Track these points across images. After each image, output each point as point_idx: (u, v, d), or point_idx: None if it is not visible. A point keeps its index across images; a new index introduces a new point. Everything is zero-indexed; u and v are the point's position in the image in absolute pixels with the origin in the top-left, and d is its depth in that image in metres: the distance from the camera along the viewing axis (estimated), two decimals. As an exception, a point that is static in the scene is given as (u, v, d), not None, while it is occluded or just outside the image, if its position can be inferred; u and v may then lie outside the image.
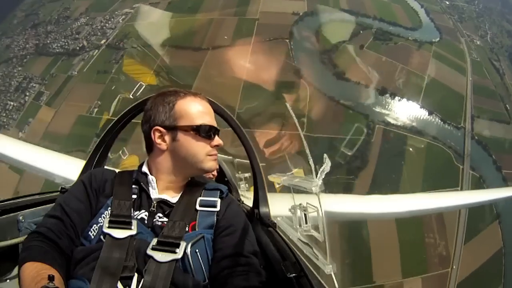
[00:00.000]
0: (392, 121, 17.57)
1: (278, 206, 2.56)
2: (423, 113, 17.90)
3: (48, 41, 23.22)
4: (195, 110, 1.61)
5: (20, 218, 1.84)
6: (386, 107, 17.98)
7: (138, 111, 2.36)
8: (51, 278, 1.08)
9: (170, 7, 21.39)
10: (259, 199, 2.28)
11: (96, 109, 18.86)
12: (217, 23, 20.26)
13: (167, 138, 1.56)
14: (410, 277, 14.12)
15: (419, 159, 16.99)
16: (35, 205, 1.98)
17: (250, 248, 1.45)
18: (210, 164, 1.62)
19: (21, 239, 1.73)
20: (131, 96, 18.06)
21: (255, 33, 19.36)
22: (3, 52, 24.71)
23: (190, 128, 1.56)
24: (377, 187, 15.61)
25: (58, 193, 2.09)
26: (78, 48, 21.79)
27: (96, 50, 21.06)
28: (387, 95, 18.25)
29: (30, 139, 17.75)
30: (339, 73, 18.80)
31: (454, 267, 14.18)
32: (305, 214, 2.54)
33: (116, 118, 2.37)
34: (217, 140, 1.63)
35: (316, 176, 2.55)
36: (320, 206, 2.40)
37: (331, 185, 15.36)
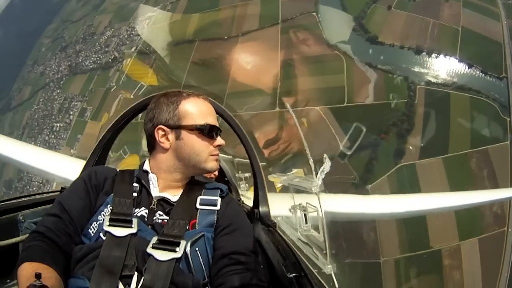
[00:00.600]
0: (433, 80, 16.72)
1: (278, 206, 2.55)
2: (462, 67, 16.86)
3: (80, 60, 23.70)
4: (199, 110, 1.63)
5: (20, 218, 1.86)
6: (424, 66, 17.16)
7: (138, 111, 2.43)
8: (37, 276, 1.08)
9: (190, 5, 21.39)
10: (259, 199, 2.29)
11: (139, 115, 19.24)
12: (241, 10, 20.08)
13: (170, 137, 1.59)
14: (467, 239, 13.57)
15: (464, 116, 16.15)
16: (35, 205, 2.00)
17: (250, 246, 1.45)
18: (212, 164, 1.64)
19: (21, 237, 1.75)
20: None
21: (281, 12, 19.04)
22: (38, 79, 25.47)
23: (194, 128, 1.58)
24: (427, 149, 15.04)
25: (58, 193, 2.10)
26: (110, 60, 22.14)
27: (129, 59, 21.41)
28: (423, 53, 17.36)
29: (82, 154, 18.31)
30: (372, 38, 18.12)
31: (510, 229, 13.43)
32: (305, 214, 2.52)
33: (116, 118, 2.44)
34: (219, 140, 1.65)
35: (316, 176, 2.51)
36: (320, 206, 2.36)
37: (382, 155, 15.08)
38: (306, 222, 2.57)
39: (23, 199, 2.05)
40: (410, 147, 15.29)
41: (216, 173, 3.61)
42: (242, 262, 1.36)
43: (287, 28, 18.46)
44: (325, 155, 2.61)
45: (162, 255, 1.29)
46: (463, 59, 17.00)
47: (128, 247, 1.31)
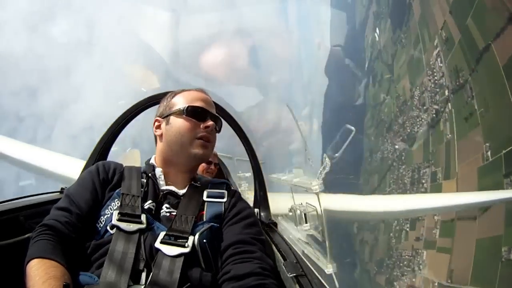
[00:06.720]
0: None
1: (278, 206, 2.55)
2: None
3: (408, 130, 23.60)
4: (188, 97, 1.65)
5: (21, 218, 1.83)
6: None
7: (136, 112, 2.43)
8: (66, 287, 1.08)
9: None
10: (259, 199, 2.28)
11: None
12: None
13: (162, 125, 1.63)
14: None
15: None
16: (36, 206, 1.97)
17: (256, 236, 1.46)
18: (198, 149, 1.58)
19: (22, 237, 1.70)
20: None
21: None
22: (380, 165, 26.27)
23: (179, 111, 1.59)
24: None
25: (58, 193, 2.13)
26: (434, 116, 21.04)
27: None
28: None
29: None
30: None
31: None
32: (305, 214, 2.52)
33: (117, 117, 2.43)
34: (206, 122, 1.60)
35: (316, 176, 2.52)
36: (320, 205, 2.36)
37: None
38: (306, 222, 2.57)
39: (23, 199, 2.01)
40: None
41: (214, 167, 3.59)
42: (246, 251, 1.36)
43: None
44: (324, 155, 2.62)
45: (171, 250, 1.29)
46: None
47: (138, 242, 1.31)
